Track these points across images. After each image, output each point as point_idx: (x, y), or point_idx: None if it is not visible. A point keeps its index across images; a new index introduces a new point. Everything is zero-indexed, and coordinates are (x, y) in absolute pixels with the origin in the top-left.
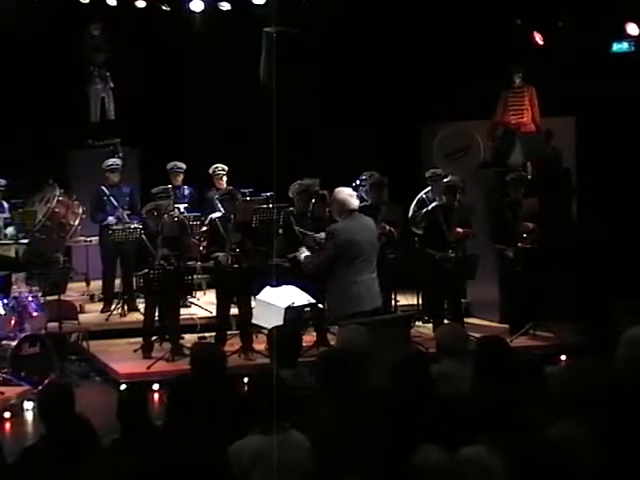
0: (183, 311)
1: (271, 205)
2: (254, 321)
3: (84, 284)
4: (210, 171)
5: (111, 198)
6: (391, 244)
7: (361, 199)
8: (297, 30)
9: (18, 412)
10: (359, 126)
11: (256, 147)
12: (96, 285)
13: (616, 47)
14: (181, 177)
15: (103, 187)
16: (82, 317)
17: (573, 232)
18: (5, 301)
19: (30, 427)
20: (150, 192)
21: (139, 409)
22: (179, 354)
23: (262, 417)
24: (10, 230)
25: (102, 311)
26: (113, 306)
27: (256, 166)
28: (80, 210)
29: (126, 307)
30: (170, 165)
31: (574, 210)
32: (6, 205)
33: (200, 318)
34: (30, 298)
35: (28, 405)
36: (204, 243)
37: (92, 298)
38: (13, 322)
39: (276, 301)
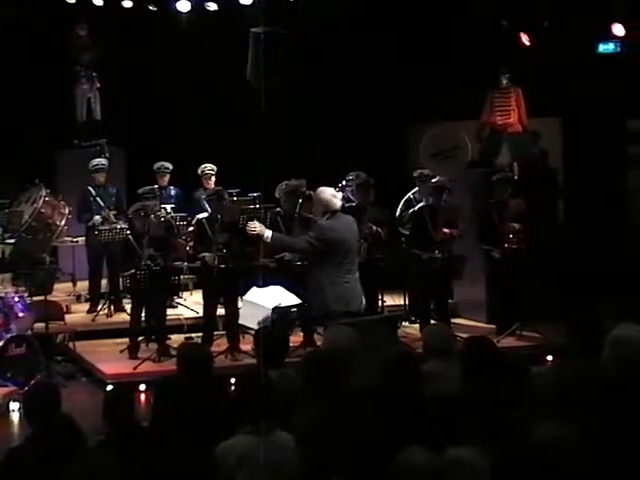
0: (170, 311)
1: (258, 205)
2: (241, 321)
3: (70, 284)
4: (199, 171)
5: (97, 198)
6: (378, 244)
7: (347, 199)
8: (284, 30)
9: (4, 413)
10: (346, 126)
11: (243, 147)
12: (82, 285)
13: (602, 48)
14: (167, 177)
15: (89, 187)
16: (68, 317)
17: (559, 232)
18: None
19: (16, 428)
20: (136, 192)
21: (125, 410)
22: (166, 355)
23: (249, 418)
24: None
25: (88, 311)
26: (99, 306)
27: (243, 166)
28: (66, 210)
29: (112, 307)
30: (157, 165)
31: (560, 210)
32: None
33: (187, 318)
34: (16, 298)
35: (14, 406)
36: (191, 243)
37: (78, 298)
38: None
39: (263, 302)
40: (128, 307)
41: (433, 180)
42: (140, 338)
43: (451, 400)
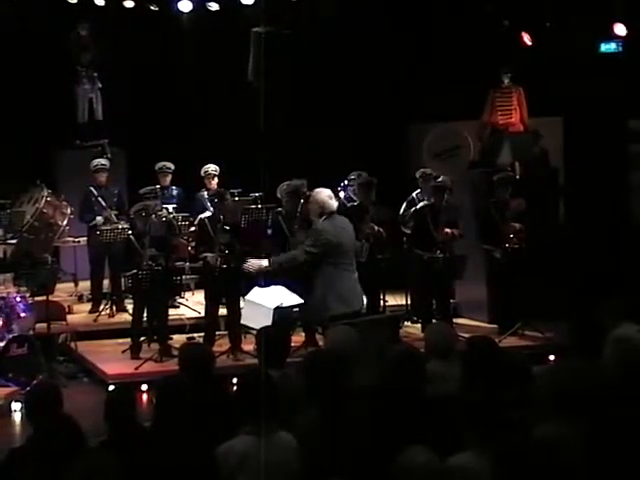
0: (171, 311)
1: (260, 206)
2: (243, 322)
3: (72, 285)
4: (202, 171)
5: (99, 198)
6: (379, 244)
7: (349, 199)
8: (286, 30)
9: (6, 413)
10: (346, 126)
11: (245, 147)
12: (84, 285)
13: (604, 47)
14: (169, 177)
15: (91, 187)
16: (70, 318)
17: (560, 232)
18: None
19: (18, 428)
20: (138, 192)
21: (127, 410)
22: (167, 355)
23: (250, 418)
24: None
25: (90, 312)
26: (101, 307)
27: (245, 166)
28: (68, 210)
29: (114, 308)
30: (158, 165)
31: (561, 210)
32: None
33: (188, 319)
34: (18, 299)
35: (16, 406)
36: (192, 243)
37: (80, 299)
38: (1, 323)
39: (265, 302)
40: (130, 307)
41: (438, 180)
42: (142, 338)
43: (452, 400)
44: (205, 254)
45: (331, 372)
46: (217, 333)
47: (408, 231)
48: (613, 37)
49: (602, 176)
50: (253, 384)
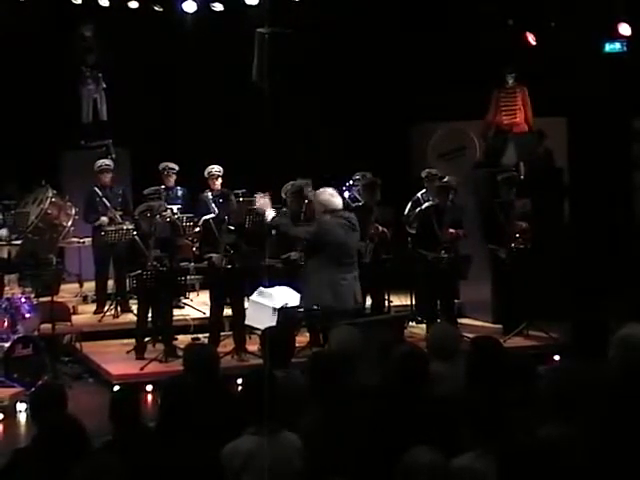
0: (176, 312)
1: None
2: (247, 322)
3: (77, 285)
4: (206, 172)
5: (104, 199)
6: (384, 245)
7: (354, 199)
8: (290, 31)
9: (11, 413)
10: (350, 126)
11: (249, 148)
12: (89, 286)
13: (608, 47)
14: (174, 178)
15: (96, 188)
16: (75, 318)
17: (565, 232)
18: None
19: (23, 429)
20: (142, 193)
21: (132, 410)
22: (172, 355)
23: (255, 418)
24: (3, 231)
25: (95, 312)
26: (106, 307)
27: (249, 167)
28: (73, 211)
29: (119, 308)
30: (162, 166)
31: (566, 210)
32: None
33: (193, 319)
34: (23, 299)
35: (21, 407)
36: (197, 244)
37: (85, 299)
38: (6, 324)
39: (269, 302)
40: (134, 308)
41: (444, 180)
42: (147, 339)
43: (457, 400)
44: (210, 255)
45: (335, 372)
46: (222, 333)
47: (413, 231)
48: (617, 37)
49: (606, 176)
50: (257, 384)
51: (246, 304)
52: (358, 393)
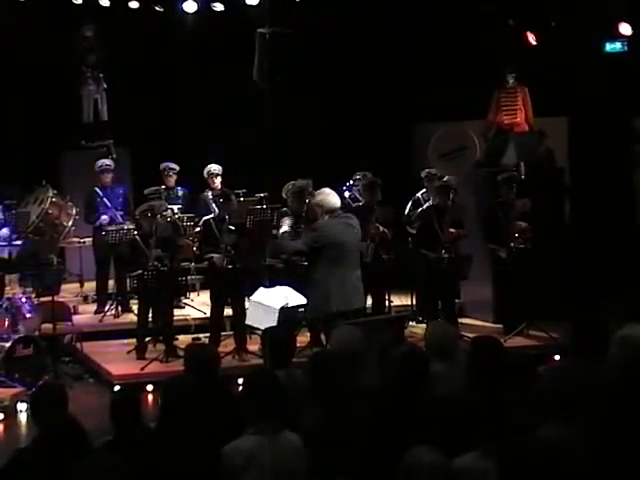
0: (177, 312)
1: (265, 206)
2: (248, 322)
3: (78, 285)
4: (205, 171)
5: (104, 199)
6: (384, 245)
7: (354, 199)
8: (290, 30)
9: (11, 413)
10: (351, 126)
11: (250, 147)
12: (90, 286)
13: (609, 47)
14: (174, 178)
15: (96, 188)
16: (76, 318)
17: (566, 232)
18: None
19: (23, 429)
20: (143, 193)
21: (132, 410)
22: (173, 355)
23: (256, 418)
24: (4, 231)
25: (96, 312)
26: (107, 307)
27: (249, 166)
28: (73, 211)
29: (120, 308)
30: (163, 166)
31: (567, 210)
32: (0, 206)
33: (194, 319)
34: (24, 299)
35: (22, 407)
36: (197, 244)
37: (86, 299)
38: (7, 323)
39: (270, 302)
40: (135, 308)
41: (444, 180)
42: (147, 339)
43: (457, 400)
44: (210, 254)
45: (336, 372)
46: (222, 333)
47: (413, 231)
48: (618, 37)
49: (607, 176)
50: (258, 384)
51: (247, 304)
52: (359, 393)
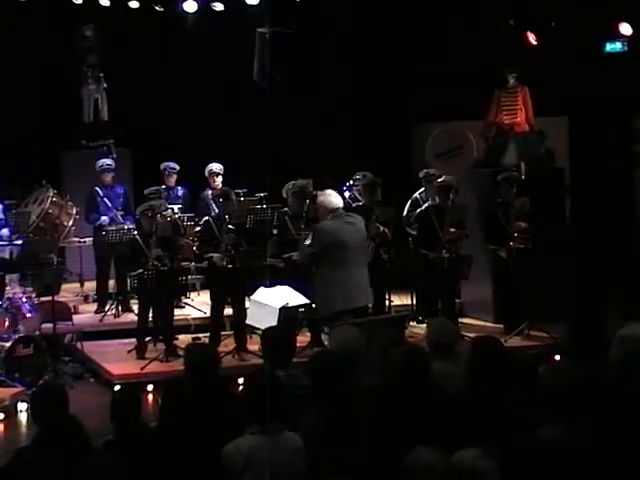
0: (177, 312)
1: (265, 205)
2: (248, 322)
3: (78, 285)
4: (206, 170)
5: (105, 199)
6: (384, 245)
7: (354, 199)
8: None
9: (12, 413)
10: (352, 126)
11: (250, 147)
12: (90, 286)
13: (609, 47)
14: (174, 177)
15: (97, 188)
16: (76, 318)
17: (566, 231)
18: None
19: (24, 428)
20: (143, 193)
21: (133, 410)
22: (173, 355)
23: (256, 418)
24: (4, 231)
25: (96, 312)
26: (107, 307)
27: (249, 166)
28: (74, 211)
29: (120, 308)
30: (163, 166)
31: (567, 209)
32: (0, 206)
33: (194, 319)
34: (24, 299)
35: (22, 406)
36: (197, 244)
37: (86, 299)
38: (7, 323)
39: (270, 301)
40: (135, 307)
41: (439, 180)
42: (147, 338)
43: (458, 400)
44: (210, 254)
45: (337, 372)
46: (222, 333)
47: (413, 232)
48: (618, 36)
49: (608, 175)
50: (259, 384)
51: (247, 304)
52: (359, 393)
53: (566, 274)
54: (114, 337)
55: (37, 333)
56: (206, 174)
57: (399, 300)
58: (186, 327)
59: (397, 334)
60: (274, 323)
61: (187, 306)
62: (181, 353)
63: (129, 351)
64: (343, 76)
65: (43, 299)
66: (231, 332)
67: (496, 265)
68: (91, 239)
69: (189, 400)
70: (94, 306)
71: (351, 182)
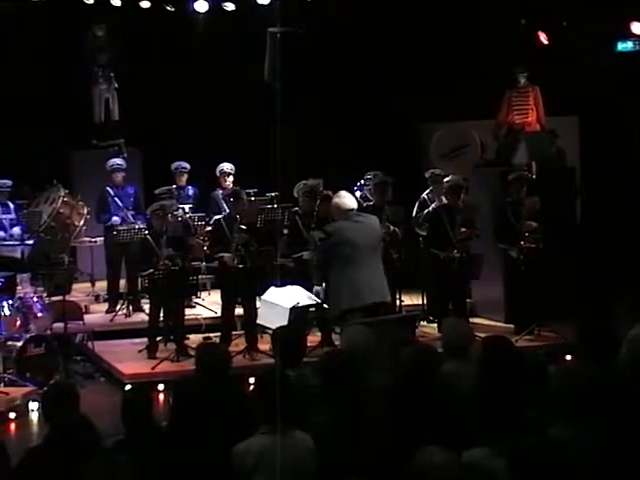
0: (188, 311)
1: (276, 205)
2: (259, 321)
3: (89, 284)
4: (217, 170)
5: (115, 199)
6: (395, 244)
7: (365, 199)
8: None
9: (23, 413)
10: (362, 126)
11: (260, 147)
12: (101, 285)
13: (621, 46)
14: (185, 177)
15: (108, 188)
16: (87, 317)
17: (577, 231)
18: (10, 302)
19: (35, 428)
20: (154, 192)
21: (143, 410)
22: (184, 354)
23: (267, 417)
24: (16, 231)
25: (107, 311)
26: (118, 306)
27: (260, 166)
28: (85, 211)
29: (131, 307)
30: (174, 165)
31: (578, 209)
32: (12, 206)
33: (205, 318)
34: (35, 299)
35: (33, 406)
36: (208, 243)
37: (97, 298)
38: (18, 323)
39: (281, 301)
40: (146, 307)
41: (446, 179)
42: (158, 338)
43: (468, 399)
44: (221, 254)
45: (347, 372)
46: (233, 333)
47: (422, 233)
48: (630, 36)
49: (618, 175)
50: (269, 384)
51: (257, 303)
52: (370, 393)
53: (577, 274)
54: (125, 337)
55: (48, 333)
56: (217, 174)
57: (410, 300)
58: (197, 327)
59: (408, 334)
60: (285, 323)
61: (198, 306)
62: (192, 353)
63: (140, 351)
64: (353, 75)
65: (54, 299)
66: (242, 332)
67: (507, 265)
68: (102, 239)
69: (200, 400)
70: (105, 306)
71: (362, 182)
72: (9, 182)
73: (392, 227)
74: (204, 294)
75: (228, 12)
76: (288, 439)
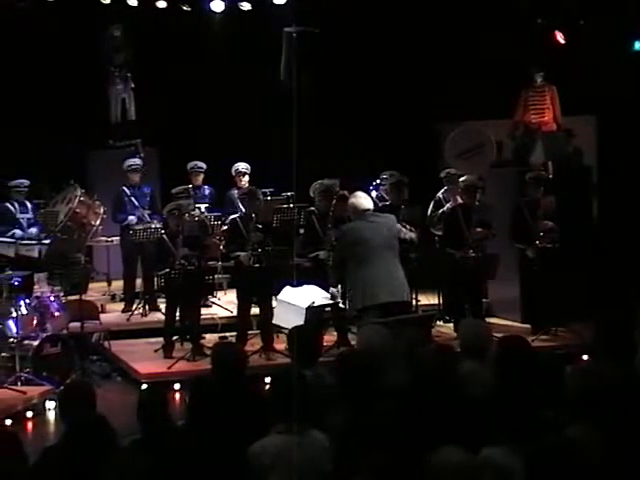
0: (204, 311)
1: (292, 205)
2: (275, 321)
3: (105, 284)
4: (232, 170)
5: (132, 198)
6: (411, 244)
7: (381, 198)
8: (317, 30)
9: (40, 412)
10: (378, 125)
11: (276, 146)
12: (117, 285)
13: (638, 45)
14: (201, 177)
15: (124, 187)
16: (103, 317)
17: (593, 231)
18: (27, 301)
19: (52, 427)
20: (170, 192)
21: (160, 409)
22: (200, 354)
23: (283, 417)
24: (33, 230)
25: (123, 311)
26: (134, 306)
27: (276, 165)
28: (101, 210)
29: (147, 307)
30: (190, 165)
31: (595, 209)
32: (29, 205)
33: (221, 318)
34: (52, 298)
35: (50, 405)
36: (224, 243)
37: (113, 298)
38: (35, 322)
39: (297, 301)
40: (163, 306)
41: (461, 179)
42: (174, 337)
43: (485, 399)
44: (237, 253)
45: (363, 372)
46: (249, 332)
47: (437, 232)
48: None
49: (635, 174)
50: (286, 383)
51: (274, 303)
52: (386, 392)
53: (593, 274)
54: (141, 336)
55: (65, 332)
56: (233, 173)
57: (426, 299)
58: (213, 326)
59: (424, 333)
60: (301, 323)
61: (214, 305)
62: (208, 352)
63: (156, 350)
64: (369, 75)
65: (71, 298)
66: (258, 331)
67: (523, 264)
68: (118, 238)
69: (216, 399)
70: (121, 305)
71: (378, 181)
72: (26, 182)
73: (408, 227)
74: (220, 294)
75: (244, 12)
76: (304, 439)
